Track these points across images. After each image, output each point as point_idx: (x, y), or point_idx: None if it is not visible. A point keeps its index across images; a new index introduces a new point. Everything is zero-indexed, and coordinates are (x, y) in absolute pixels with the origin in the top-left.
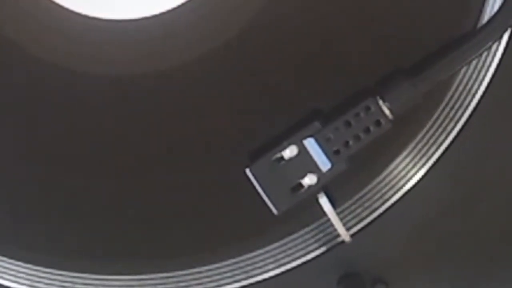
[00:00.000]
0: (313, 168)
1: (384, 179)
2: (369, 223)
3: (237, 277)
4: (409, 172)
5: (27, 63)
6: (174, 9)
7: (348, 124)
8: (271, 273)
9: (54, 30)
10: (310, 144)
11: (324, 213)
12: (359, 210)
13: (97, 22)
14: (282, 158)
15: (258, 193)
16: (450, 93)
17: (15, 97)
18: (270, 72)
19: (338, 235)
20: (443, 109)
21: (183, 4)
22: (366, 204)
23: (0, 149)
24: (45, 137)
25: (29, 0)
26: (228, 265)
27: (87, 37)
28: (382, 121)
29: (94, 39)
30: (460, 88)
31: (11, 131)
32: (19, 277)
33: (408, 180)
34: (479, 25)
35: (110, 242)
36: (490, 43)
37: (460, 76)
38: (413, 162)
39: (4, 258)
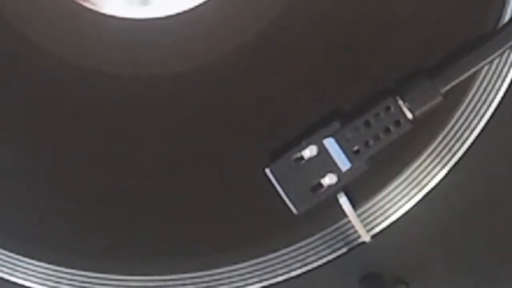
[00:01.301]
0: (333, 168)
1: (405, 179)
2: (391, 224)
3: (259, 278)
4: (431, 172)
5: (52, 65)
6: (195, 8)
7: (368, 124)
8: (293, 274)
9: (77, 31)
10: (330, 144)
11: (344, 213)
12: (380, 211)
13: (119, 22)
14: (302, 157)
15: (278, 193)
16: (473, 91)
17: (38, 98)
18: (290, 73)
19: (359, 236)
20: (465, 108)
21: (204, 3)
22: (388, 205)
23: (25, 150)
24: (69, 138)
25: (55, 2)
26: (250, 266)
27: (110, 37)
28: (402, 121)
29: (116, 40)
30: (483, 86)
31: (35, 132)
32: (40, 277)
33: (430, 181)
34: (500, 24)
35: (132, 242)
36: (511, 42)
37: (482, 75)
38: (435, 162)
39: (25, 259)
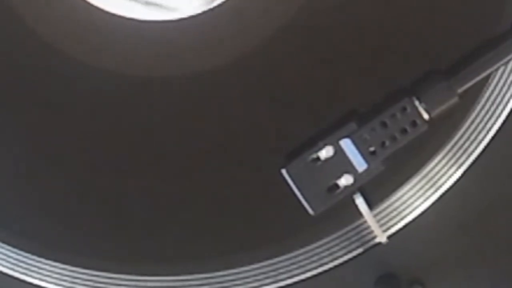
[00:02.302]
0: (349, 168)
1: (421, 179)
2: (407, 224)
3: (275, 278)
4: (447, 172)
5: (64, 64)
6: (210, 10)
7: (384, 124)
8: (308, 274)
9: (90, 31)
10: (346, 144)
11: (360, 214)
12: (396, 211)
13: (132, 23)
14: (318, 158)
15: (294, 194)
16: (488, 92)
17: (51, 97)
18: (306, 74)
19: (375, 236)
20: (481, 108)
21: (219, 6)
22: (404, 205)
23: (40, 152)
24: (83, 138)
25: (67, 2)
26: (266, 266)
27: (125, 38)
28: (418, 121)
29: (131, 40)
30: (499, 86)
31: (48, 132)
32: (55, 278)
33: (446, 181)
34: None
35: (147, 243)
36: None
37: (497, 76)
38: (451, 162)
39: (41, 259)
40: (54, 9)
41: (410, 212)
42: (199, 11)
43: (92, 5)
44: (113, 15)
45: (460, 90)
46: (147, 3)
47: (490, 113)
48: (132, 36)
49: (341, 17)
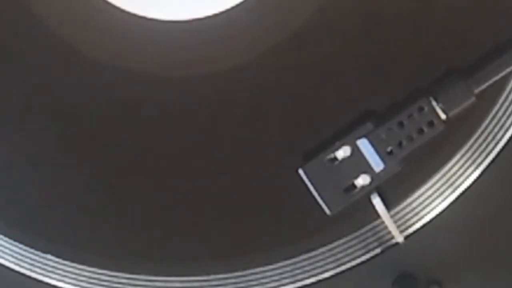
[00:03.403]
0: (366, 168)
1: (439, 180)
2: (424, 225)
3: (293, 279)
4: (465, 172)
5: (83, 64)
6: (229, 10)
7: (401, 124)
8: (326, 274)
9: (109, 31)
10: (363, 144)
11: (377, 214)
12: (414, 212)
13: (153, 24)
14: (335, 158)
15: (311, 194)
16: (506, 92)
17: (65, 96)
18: (324, 73)
19: (393, 237)
20: (499, 108)
21: (235, 6)
22: (421, 206)
23: (58, 151)
24: (101, 138)
25: (87, 2)
26: (283, 266)
27: (143, 38)
28: (436, 121)
29: (150, 41)
30: None
31: (66, 132)
32: (74, 278)
33: (464, 181)
34: None
35: (166, 244)
36: None
37: None
38: (468, 163)
39: (59, 259)
40: (70, 8)
41: (428, 212)
42: (214, 11)
43: (108, 4)
44: (130, 14)
45: (477, 90)
46: (164, 3)
47: (508, 113)
48: (148, 36)
49: (358, 17)
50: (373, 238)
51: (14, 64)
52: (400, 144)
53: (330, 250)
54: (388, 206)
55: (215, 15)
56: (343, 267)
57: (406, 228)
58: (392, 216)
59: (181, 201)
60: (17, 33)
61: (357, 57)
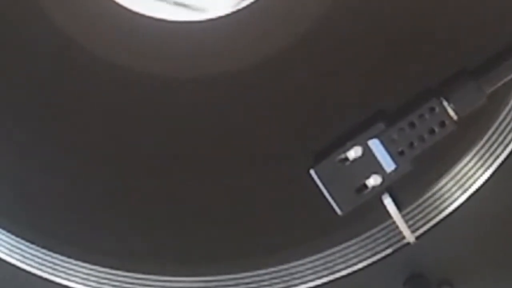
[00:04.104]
0: (378, 169)
1: (450, 180)
2: (435, 225)
3: (302, 279)
4: (476, 173)
5: (91, 63)
6: (238, 11)
7: (412, 125)
8: (337, 275)
9: (117, 31)
10: (375, 144)
11: (388, 215)
12: (425, 212)
13: (160, 24)
14: (346, 159)
15: (322, 194)
16: None
17: (76, 95)
18: (335, 74)
19: (404, 237)
20: (510, 109)
21: (247, 7)
22: (432, 206)
23: (69, 150)
24: (116, 139)
25: (97, 2)
26: (294, 267)
27: (149, 38)
28: (447, 122)
29: (157, 41)
30: None
31: (80, 135)
32: (84, 278)
33: (475, 181)
34: None
35: (177, 244)
36: None
37: None
38: (479, 163)
39: (69, 259)
40: (82, 9)
41: (439, 212)
42: (227, 12)
43: (119, 5)
44: (141, 15)
45: (488, 91)
46: (175, 4)
47: None
48: (160, 37)
49: (369, 18)
50: (384, 239)
51: (24, 62)
52: (411, 144)
53: (341, 250)
54: (399, 206)
55: (225, 16)
56: (354, 267)
57: (418, 229)
58: (403, 216)
59: (192, 201)
60: (28, 32)
61: (368, 57)
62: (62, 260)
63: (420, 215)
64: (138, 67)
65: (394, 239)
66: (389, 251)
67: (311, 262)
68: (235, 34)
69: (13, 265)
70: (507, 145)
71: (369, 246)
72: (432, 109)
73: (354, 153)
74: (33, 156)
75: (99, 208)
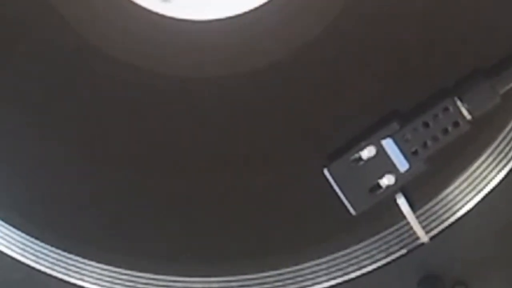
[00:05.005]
0: (391, 168)
1: (464, 180)
2: (450, 225)
3: (313, 281)
4: (490, 173)
5: (104, 62)
6: (251, 11)
7: (426, 125)
8: (352, 275)
9: (130, 29)
10: (388, 144)
11: (402, 215)
12: (439, 212)
13: (174, 23)
14: (360, 158)
15: (336, 194)
16: None
17: (90, 96)
18: (348, 74)
19: (418, 237)
20: None
21: (263, 5)
22: (446, 206)
23: (82, 150)
24: (126, 139)
25: (110, 1)
26: (309, 267)
27: (163, 37)
28: (461, 122)
29: (172, 40)
30: None
31: (94, 134)
32: (99, 279)
33: (489, 182)
34: None
35: (190, 243)
36: None
37: None
38: (494, 163)
39: (85, 260)
40: (94, 7)
41: (453, 213)
42: (237, 12)
43: (135, 4)
44: (154, 13)
45: (502, 91)
46: (189, 2)
47: None
48: (175, 36)
49: (384, 18)
50: (398, 239)
51: (38, 62)
52: (425, 144)
53: (355, 251)
54: (413, 206)
55: (241, 15)
56: (369, 268)
57: (432, 229)
58: (417, 217)
59: (205, 201)
60: (42, 32)
61: (382, 58)
62: (76, 260)
63: (434, 216)
64: (149, 66)
65: (408, 240)
66: (403, 251)
67: (325, 263)
68: (248, 35)
69: (27, 265)
70: None
71: (383, 247)
72: (446, 109)
73: (368, 152)
74: (46, 156)
75: (113, 208)
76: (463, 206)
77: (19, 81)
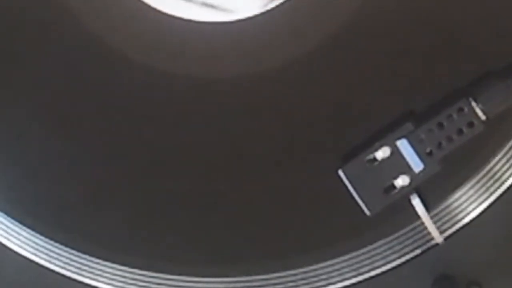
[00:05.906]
0: (406, 169)
1: (479, 181)
2: (464, 226)
3: (327, 281)
4: (505, 173)
5: (120, 64)
6: (267, 12)
7: (440, 125)
8: (366, 275)
9: (146, 31)
10: (403, 145)
11: (417, 215)
12: (453, 213)
13: (189, 24)
14: (375, 159)
15: (351, 195)
16: None
17: (105, 97)
18: (362, 74)
19: (433, 238)
20: None
21: (276, 7)
22: (461, 207)
23: (95, 151)
24: (139, 140)
25: (124, 2)
26: (322, 268)
27: (178, 39)
28: (475, 122)
29: (186, 42)
30: None
31: (106, 135)
32: (112, 279)
33: (504, 181)
34: None
35: (204, 244)
36: None
37: None
38: (509, 164)
39: (98, 260)
40: (111, 10)
41: (468, 213)
42: (255, 12)
43: (148, 6)
44: (170, 16)
45: None
46: (204, 4)
47: None
48: (188, 37)
49: (398, 18)
50: (412, 239)
51: (51, 62)
52: (439, 144)
53: (370, 251)
54: (427, 207)
55: (254, 17)
56: (383, 268)
57: (446, 229)
58: (431, 217)
59: (219, 202)
60: (54, 31)
61: (397, 57)
62: (89, 260)
63: (449, 216)
64: (165, 67)
65: (423, 240)
66: (417, 252)
67: (339, 263)
68: (263, 35)
69: (40, 265)
70: None
71: (398, 247)
72: (460, 110)
73: (382, 153)
74: (59, 156)
75: (126, 208)
76: (477, 206)
77: (31, 80)
